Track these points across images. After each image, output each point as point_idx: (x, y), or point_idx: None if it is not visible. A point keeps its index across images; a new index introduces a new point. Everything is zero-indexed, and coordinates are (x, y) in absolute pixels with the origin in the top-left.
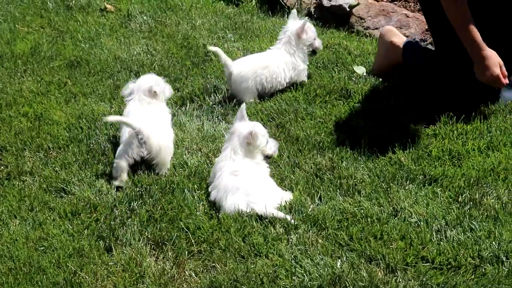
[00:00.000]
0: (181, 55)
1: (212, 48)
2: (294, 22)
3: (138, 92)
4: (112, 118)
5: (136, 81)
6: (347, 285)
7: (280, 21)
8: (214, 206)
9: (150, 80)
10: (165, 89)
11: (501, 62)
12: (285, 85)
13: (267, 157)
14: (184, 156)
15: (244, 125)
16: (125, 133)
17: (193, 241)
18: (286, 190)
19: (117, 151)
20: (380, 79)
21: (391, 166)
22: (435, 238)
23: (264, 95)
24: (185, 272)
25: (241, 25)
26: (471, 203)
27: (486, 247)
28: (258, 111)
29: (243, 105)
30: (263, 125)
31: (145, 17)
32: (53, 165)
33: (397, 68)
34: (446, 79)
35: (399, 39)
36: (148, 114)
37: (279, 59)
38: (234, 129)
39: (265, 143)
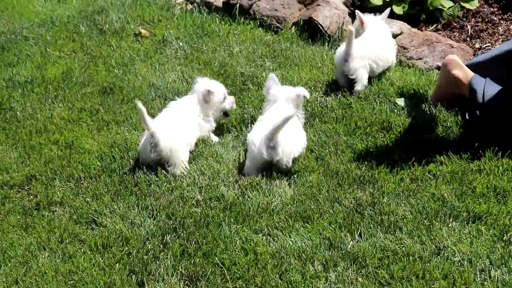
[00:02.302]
0: None
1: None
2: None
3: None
4: (140, 105)
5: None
6: None
7: (321, 50)
8: (252, 241)
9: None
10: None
11: None
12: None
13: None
14: (221, 188)
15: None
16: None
17: (228, 277)
18: None
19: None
20: (424, 112)
21: (434, 202)
22: (479, 278)
23: None
24: None
25: (280, 53)
26: None
27: None
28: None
29: (272, 74)
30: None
31: (181, 43)
32: (84, 196)
33: (458, 100)
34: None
35: (462, 73)
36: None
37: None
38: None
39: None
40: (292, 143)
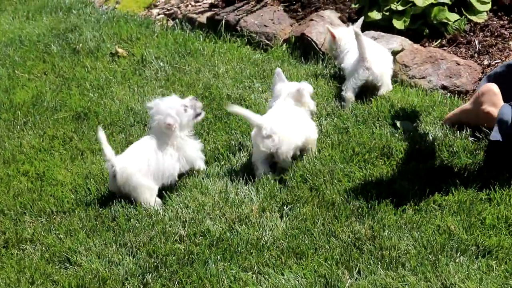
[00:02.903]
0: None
1: (99, 131)
2: None
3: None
4: (101, 133)
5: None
6: None
7: (314, 69)
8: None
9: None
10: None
11: None
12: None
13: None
14: (206, 223)
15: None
16: None
17: None
18: None
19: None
20: (428, 136)
21: (439, 235)
22: None
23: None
24: None
25: (270, 73)
26: None
27: None
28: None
29: (279, 69)
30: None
31: (161, 63)
32: (57, 232)
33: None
34: None
35: (496, 110)
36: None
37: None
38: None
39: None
40: (291, 132)
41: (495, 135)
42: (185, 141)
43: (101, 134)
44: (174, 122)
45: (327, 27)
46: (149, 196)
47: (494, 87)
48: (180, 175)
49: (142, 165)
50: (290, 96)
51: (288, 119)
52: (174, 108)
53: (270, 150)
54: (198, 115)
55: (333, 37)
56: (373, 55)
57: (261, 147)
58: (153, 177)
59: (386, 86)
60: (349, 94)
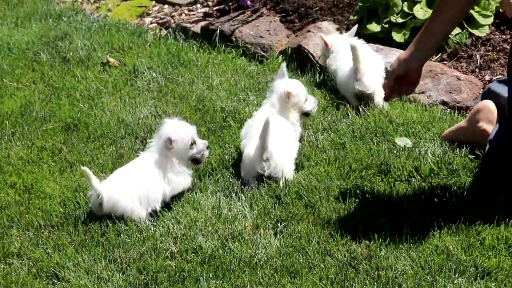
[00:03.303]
0: (195, 119)
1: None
2: None
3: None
4: (85, 169)
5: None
6: None
7: (311, 82)
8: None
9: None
10: None
11: None
12: None
13: (306, 115)
14: (198, 239)
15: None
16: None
17: None
18: None
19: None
20: (426, 153)
21: (437, 255)
22: None
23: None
24: None
25: (265, 85)
26: None
27: None
28: (283, 186)
29: (283, 64)
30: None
31: (154, 74)
32: (45, 246)
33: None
34: None
35: (493, 126)
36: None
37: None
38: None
39: (303, 100)
40: (284, 155)
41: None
42: (177, 168)
43: (85, 170)
44: (176, 140)
45: (321, 35)
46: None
47: (490, 104)
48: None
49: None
50: (278, 100)
51: (281, 139)
52: (185, 133)
53: (265, 173)
54: (195, 160)
55: (326, 45)
56: (367, 65)
57: (258, 168)
58: (140, 202)
59: (379, 94)
60: (355, 103)
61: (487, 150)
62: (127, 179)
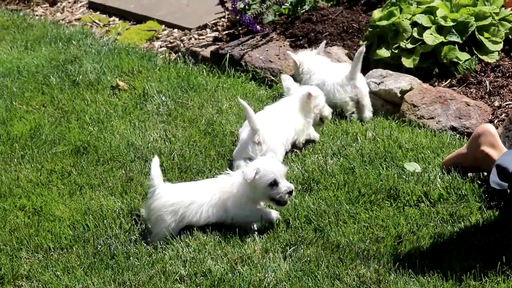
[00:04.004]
0: (204, 143)
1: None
2: None
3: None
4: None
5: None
6: None
7: None
8: None
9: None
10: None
11: None
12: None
13: (321, 121)
14: (208, 262)
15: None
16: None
17: None
18: None
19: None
20: (436, 179)
21: (446, 281)
22: None
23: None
24: None
25: None
26: None
27: None
28: (292, 210)
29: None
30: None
31: (163, 98)
32: (54, 269)
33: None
34: None
35: (494, 150)
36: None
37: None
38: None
39: (323, 103)
40: (278, 142)
41: (495, 179)
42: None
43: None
44: (250, 176)
45: (289, 53)
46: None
47: (491, 128)
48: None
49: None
50: (298, 100)
51: (279, 126)
52: (270, 171)
53: (256, 156)
54: (276, 201)
55: (295, 63)
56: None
57: (249, 151)
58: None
59: (369, 108)
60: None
61: (493, 181)
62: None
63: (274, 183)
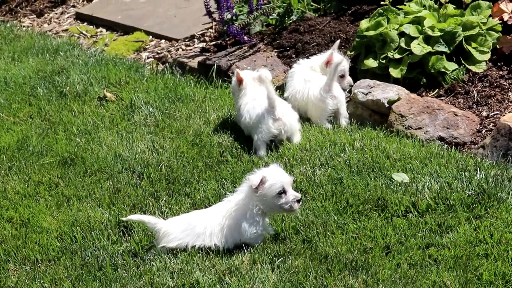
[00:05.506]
0: (192, 154)
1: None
2: None
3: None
4: None
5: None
6: None
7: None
8: None
9: None
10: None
11: None
12: None
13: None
14: (195, 274)
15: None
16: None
17: None
18: None
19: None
20: (423, 189)
21: None
22: None
23: None
24: None
25: None
26: None
27: None
28: (280, 221)
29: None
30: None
31: (151, 109)
32: (42, 281)
33: None
34: None
35: None
36: None
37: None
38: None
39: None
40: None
41: None
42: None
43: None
44: (255, 182)
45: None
46: None
47: None
48: None
49: None
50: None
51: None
52: (277, 179)
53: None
54: (286, 207)
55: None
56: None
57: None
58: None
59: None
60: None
61: None
62: None
63: (283, 192)
